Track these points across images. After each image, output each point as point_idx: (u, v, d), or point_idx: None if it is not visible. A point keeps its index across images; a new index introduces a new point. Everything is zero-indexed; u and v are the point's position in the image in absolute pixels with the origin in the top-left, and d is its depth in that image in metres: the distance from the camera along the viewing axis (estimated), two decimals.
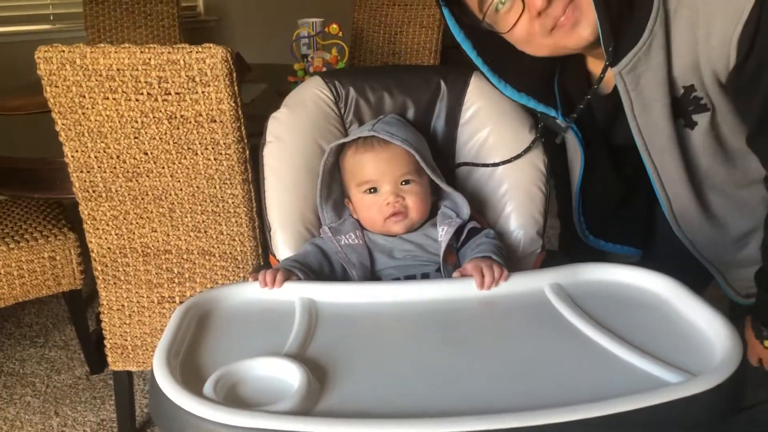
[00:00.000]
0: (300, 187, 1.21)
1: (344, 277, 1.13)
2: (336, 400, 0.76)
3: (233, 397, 0.76)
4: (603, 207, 1.31)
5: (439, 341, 0.89)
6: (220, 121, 1.43)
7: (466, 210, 1.15)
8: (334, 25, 2.40)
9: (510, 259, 1.11)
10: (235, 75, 1.41)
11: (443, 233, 1.12)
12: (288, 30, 3.36)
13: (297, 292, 0.99)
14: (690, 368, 0.78)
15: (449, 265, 1.11)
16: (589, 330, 0.88)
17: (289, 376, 0.78)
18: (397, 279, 1.10)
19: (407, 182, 1.15)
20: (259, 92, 2.40)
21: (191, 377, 0.80)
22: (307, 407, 0.74)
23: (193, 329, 0.91)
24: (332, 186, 1.21)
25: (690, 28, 1.01)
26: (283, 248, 1.19)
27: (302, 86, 1.30)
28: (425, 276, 1.10)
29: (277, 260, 1.18)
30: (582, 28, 1.03)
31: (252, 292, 1.00)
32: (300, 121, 1.24)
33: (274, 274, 1.01)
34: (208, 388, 0.75)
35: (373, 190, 1.15)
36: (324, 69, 2.38)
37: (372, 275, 1.12)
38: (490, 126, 1.25)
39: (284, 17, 3.83)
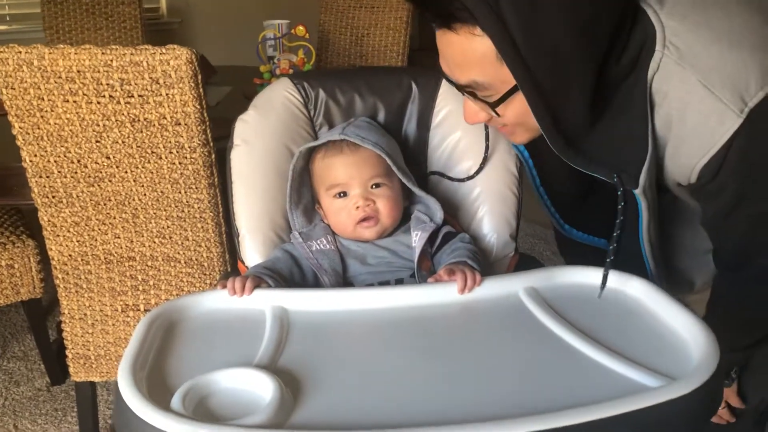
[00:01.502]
0: (269, 192, 1.18)
1: (315, 283, 1.10)
2: (310, 412, 0.73)
3: (203, 410, 0.73)
4: (566, 199, 1.31)
5: (415, 348, 0.87)
6: (185, 124, 1.40)
7: (439, 214, 1.13)
8: (301, 27, 2.38)
9: (483, 262, 1.10)
10: (200, 77, 1.37)
11: (417, 238, 1.10)
12: (253, 32, 3.32)
13: (267, 300, 0.95)
14: (668, 372, 0.77)
15: (423, 270, 1.09)
16: (566, 334, 0.87)
17: (260, 387, 0.75)
18: (371, 285, 1.08)
19: (377, 186, 1.13)
20: (224, 95, 2.36)
21: (158, 390, 0.76)
22: (281, 420, 0.71)
23: (159, 340, 0.87)
24: (302, 190, 1.18)
25: (662, 136, 1.02)
26: (252, 254, 1.16)
27: (270, 88, 1.27)
28: (399, 282, 1.08)
29: (246, 267, 1.15)
30: (518, 136, 1.08)
31: (220, 301, 0.97)
32: (268, 123, 1.21)
33: (244, 282, 0.97)
34: (176, 401, 0.72)
35: (343, 194, 1.13)
36: (291, 71, 2.35)
37: (344, 281, 1.09)
38: (461, 129, 1.24)
39: (249, 19, 3.78)
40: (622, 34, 0.96)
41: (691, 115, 0.97)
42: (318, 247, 1.10)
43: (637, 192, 1.04)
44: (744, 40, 0.96)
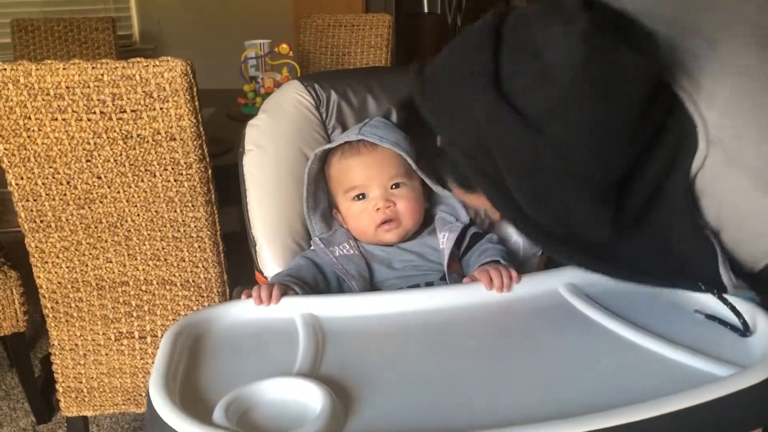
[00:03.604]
0: (285, 198, 1.13)
1: (339, 291, 1.05)
2: (364, 422, 0.68)
3: (248, 423, 0.67)
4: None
5: (460, 350, 0.83)
6: (181, 139, 1.34)
7: (465, 213, 1.09)
8: (284, 45, 2.35)
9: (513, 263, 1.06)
10: (195, 89, 1.33)
11: (445, 240, 1.06)
12: (229, 56, 3.28)
13: (296, 308, 0.90)
14: (735, 360, 0.74)
15: (453, 273, 1.05)
16: (618, 327, 0.83)
17: (308, 397, 0.70)
18: (401, 290, 1.03)
19: (397, 186, 1.09)
20: (207, 116, 2.31)
21: (193, 405, 0.70)
22: (335, 431, 0.66)
23: (186, 353, 0.81)
24: (318, 195, 1.14)
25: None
26: (271, 264, 1.10)
27: (280, 91, 1.23)
28: (429, 285, 1.03)
29: (265, 277, 1.10)
30: None
31: (246, 311, 0.91)
32: (281, 127, 1.17)
33: (270, 290, 0.92)
34: (218, 414, 0.66)
35: (362, 196, 1.09)
36: (275, 89, 2.32)
37: (372, 288, 1.05)
38: None
39: (223, 43, 3.73)
40: (657, 134, 0.84)
41: (747, 221, 0.86)
42: (342, 252, 1.06)
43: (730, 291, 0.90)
44: None
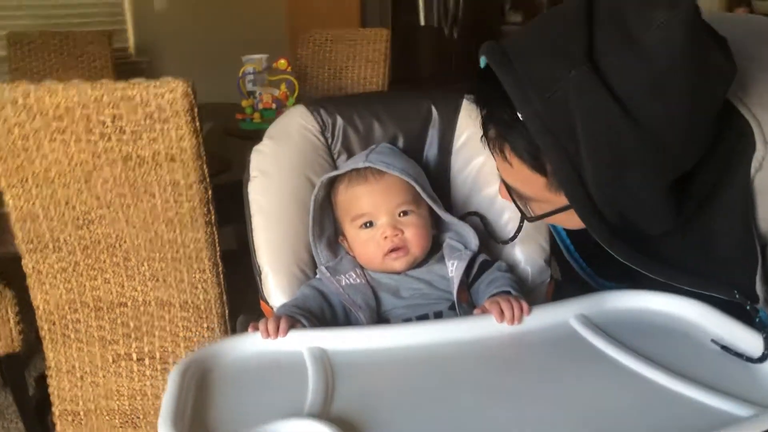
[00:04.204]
0: (291, 225, 1.11)
1: (346, 320, 1.03)
2: None
3: None
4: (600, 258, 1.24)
5: (472, 385, 0.81)
6: (181, 160, 1.33)
7: (474, 242, 1.08)
8: (283, 61, 2.34)
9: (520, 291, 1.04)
10: (196, 110, 1.31)
11: (454, 268, 1.05)
12: (226, 69, 3.27)
13: (304, 341, 0.88)
14: (756, 399, 0.72)
15: (463, 302, 1.03)
16: (632, 362, 0.82)
17: None
18: (409, 320, 1.01)
19: (405, 213, 1.07)
20: (205, 131, 2.28)
21: None
22: None
23: (194, 390, 0.79)
24: (324, 222, 1.12)
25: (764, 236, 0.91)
26: (276, 293, 1.08)
27: (285, 116, 1.21)
28: (438, 315, 1.02)
29: (270, 307, 1.08)
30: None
31: (253, 344, 0.89)
32: (286, 153, 1.15)
33: (277, 323, 0.90)
34: None
35: (369, 224, 1.07)
36: (273, 105, 2.31)
37: (378, 316, 1.03)
38: (485, 153, 1.18)
39: (219, 56, 3.73)
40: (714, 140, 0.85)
41: None
42: (348, 281, 1.04)
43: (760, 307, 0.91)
44: None
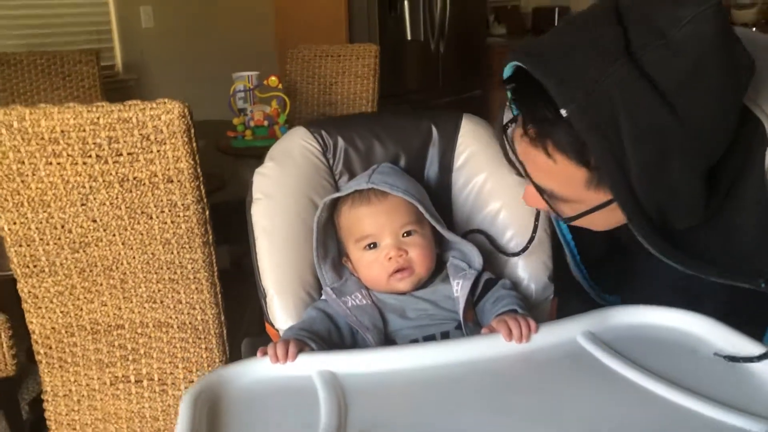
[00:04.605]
0: (296, 247, 1.11)
1: (353, 342, 1.03)
2: None
3: None
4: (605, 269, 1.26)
5: (483, 405, 0.81)
6: (178, 181, 1.33)
7: (478, 260, 1.08)
8: (273, 78, 2.34)
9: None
10: (193, 131, 1.31)
11: (459, 288, 1.05)
12: (212, 85, 3.27)
13: (313, 365, 0.88)
14: (760, 409, 0.73)
15: (469, 322, 1.04)
16: (640, 378, 0.82)
17: None
18: (416, 340, 1.01)
19: (409, 233, 1.08)
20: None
21: None
22: None
23: (207, 418, 0.79)
24: (328, 243, 1.12)
25: None
26: (282, 316, 1.08)
27: (286, 138, 1.22)
28: (445, 335, 1.02)
29: (276, 330, 1.08)
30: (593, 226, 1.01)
31: (263, 370, 0.89)
32: (289, 175, 1.15)
33: (285, 347, 0.90)
34: None
35: (373, 245, 1.07)
36: (265, 122, 2.31)
37: (386, 337, 1.03)
38: (487, 170, 1.20)
39: (206, 72, 3.74)
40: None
41: None
42: (354, 302, 1.04)
43: None
44: None
